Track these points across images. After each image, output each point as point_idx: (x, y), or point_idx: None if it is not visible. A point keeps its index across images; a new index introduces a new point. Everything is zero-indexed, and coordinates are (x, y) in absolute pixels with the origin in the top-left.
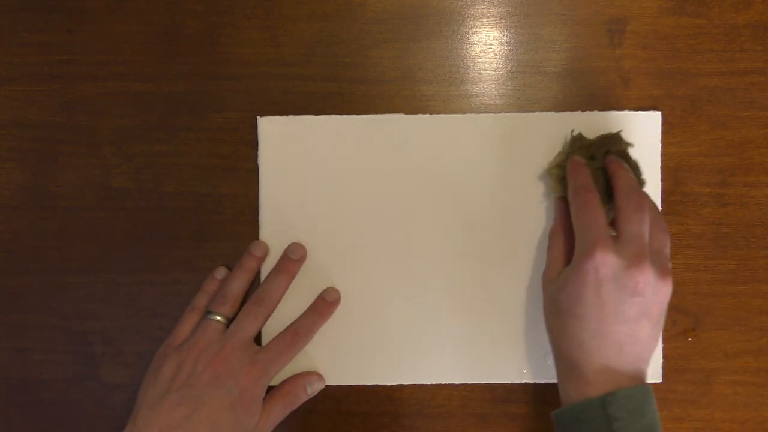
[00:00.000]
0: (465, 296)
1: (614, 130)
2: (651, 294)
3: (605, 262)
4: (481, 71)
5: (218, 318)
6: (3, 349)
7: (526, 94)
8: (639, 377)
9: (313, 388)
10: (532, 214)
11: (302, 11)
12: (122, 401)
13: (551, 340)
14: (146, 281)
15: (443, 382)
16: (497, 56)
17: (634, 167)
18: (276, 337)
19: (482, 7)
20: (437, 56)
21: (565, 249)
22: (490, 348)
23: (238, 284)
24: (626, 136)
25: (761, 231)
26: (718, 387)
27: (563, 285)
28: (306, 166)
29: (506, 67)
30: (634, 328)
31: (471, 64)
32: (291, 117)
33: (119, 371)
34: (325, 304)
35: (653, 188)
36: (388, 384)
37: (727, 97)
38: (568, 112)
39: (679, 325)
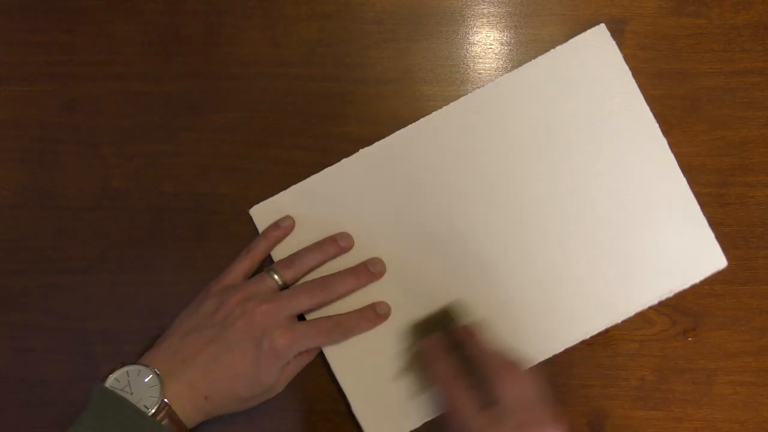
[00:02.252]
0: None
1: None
2: None
3: None
4: (481, 71)
5: (277, 278)
6: (3, 349)
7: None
8: None
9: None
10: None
11: (302, 11)
12: None
13: None
14: (146, 281)
15: None
16: (497, 56)
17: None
18: (320, 318)
19: (482, 7)
20: (437, 56)
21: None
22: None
23: (310, 258)
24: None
25: (761, 231)
26: (718, 387)
27: None
28: (312, 229)
29: (506, 67)
30: None
31: (471, 64)
32: (279, 195)
33: None
34: (373, 313)
35: (639, 112)
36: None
37: (727, 97)
38: (525, 65)
39: (679, 325)
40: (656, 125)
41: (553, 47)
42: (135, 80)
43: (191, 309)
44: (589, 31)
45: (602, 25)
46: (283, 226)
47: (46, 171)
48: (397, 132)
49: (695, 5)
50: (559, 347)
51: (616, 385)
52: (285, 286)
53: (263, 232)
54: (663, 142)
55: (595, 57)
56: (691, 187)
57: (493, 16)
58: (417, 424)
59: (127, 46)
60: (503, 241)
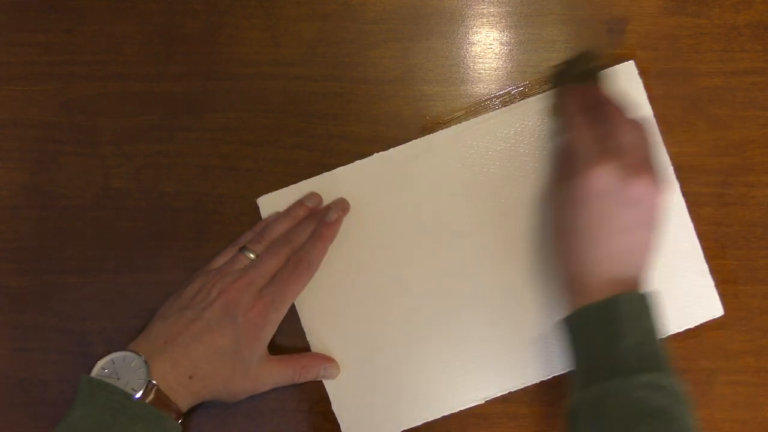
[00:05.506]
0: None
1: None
2: (647, 202)
3: (604, 174)
4: (481, 71)
5: (250, 255)
6: (3, 349)
7: (526, 94)
8: (639, 284)
9: (327, 373)
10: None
11: (302, 11)
12: None
13: (556, 258)
14: (146, 281)
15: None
16: (497, 56)
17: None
18: (281, 268)
19: (482, 7)
20: (437, 56)
21: (566, 166)
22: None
23: (279, 228)
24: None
25: (761, 231)
26: (718, 387)
27: (565, 200)
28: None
29: (506, 67)
30: (631, 236)
31: (471, 64)
32: (288, 188)
33: None
34: (324, 226)
35: (656, 152)
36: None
37: (727, 97)
38: (550, 91)
39: None
40: (671, 167)
41: (553, 47)
42: (135, 80)
43: (174, 296)
44: (617, 66)
45: (631, 62)
46: (269, 220)
47: (46, 171)
48: (415, 140)
49: (695, 5)
50: (550, 374)
51: None
52: None
53: (254, 227)
54: (676, 186)
55: (620, 92)
56: (692, 187)
57: (493, 16)
58: (397, 430)
59: (127, 46)
60: (501, 262)
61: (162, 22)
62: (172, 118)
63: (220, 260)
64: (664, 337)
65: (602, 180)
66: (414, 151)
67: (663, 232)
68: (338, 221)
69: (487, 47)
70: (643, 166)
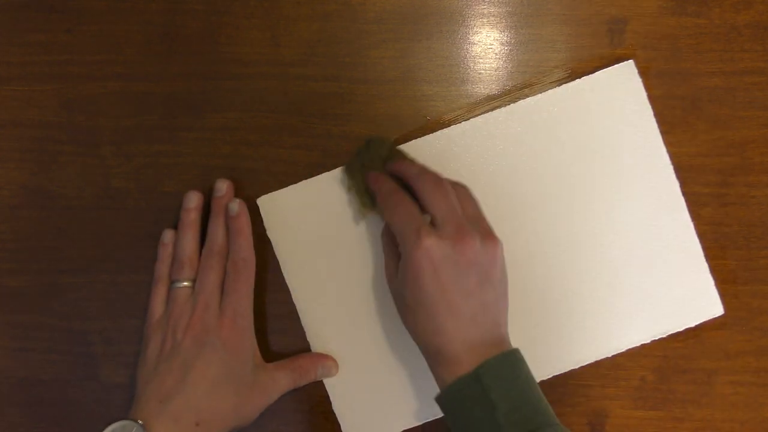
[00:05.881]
0: None
1: (375, 136)
2: (483, 260)
3: (432, 247)
4: (482, 71)
5: (184, 284)
6: (3, 349)
7: (526, 94)
8: (502, 343)
9: (325, 372)
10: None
11: (302, 11)
12: (122, 401)
13: (412, 336)
14: (146, 281)
15: None
16: (497, 56)
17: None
18: (224, 279)
19: (482, 7)
20: (437, 56)
21: (396, 247)
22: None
23: (187, 243)
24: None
25: (761, 231)
26: (718, 387)
27: (403, 281)
28: (317, 225)
29: (506, 67)
30: (479, 298)
31: (471, 64)
32: (288, 188)
33: (119, 371)
34: (233, 220)
35: (656, 152)
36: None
37: (727, 97)
38: (550, 90)
39: None
40: (671, 167)
41: (553, 47)
42: (135, 80)
43: (141, 359)
44: (617, 66)
45: (631, 62)
46: (165, 243)
47: (46, 171)
48: (415, 140)
49: (695, 5)
50: (546, 374)
51: (616, 385)
52: (194, 281)
53: (158, 256)
54: (676, 185)
55: (621, 92)
56: (692, 187)
57: (493, 16)
58: (398, 430)
59: (127, 46)
60: (507, 260)
61: (162, 22)
62: (172, 118)
63: (156, 303)
64: (537, 386)
65: (430, 254)
66: (414, 153)
67: (506, 283)
68: (243, 210)
69: (487, 47)
70: (464, 228)
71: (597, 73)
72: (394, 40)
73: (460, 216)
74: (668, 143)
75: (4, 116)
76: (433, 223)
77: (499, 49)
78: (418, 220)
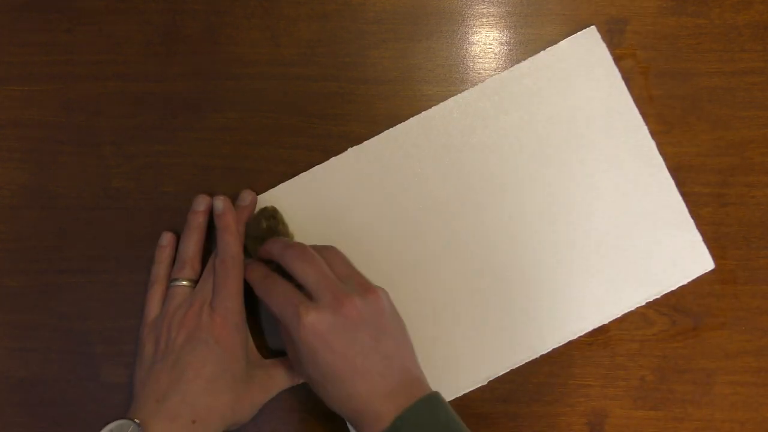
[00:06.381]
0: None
1: (264, 206)
2: (370, 314)
3: (315, 323)
4: (481, 71)
5: (183, 283)
6: (3, 349)
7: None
8: (417, 386)
9: None
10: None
11: (302, 11)
12: (122, 401)
13: (329, 406)
14: (146, 281)
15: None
16: (497, 56)
17: (284, 223)
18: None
19: (482, 7)
20: (437, 56)
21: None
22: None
23: (190, 245)
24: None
25: (761, 231)
26: (718, 387)
27: (301, 361)
28: (315, 219)
29: (506, 67)
30: (380, 351)
31: (471, 64)
32: (286, 183)
33: (119, 371)
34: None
35: (628, 114)
36: None
37: (727, 97)
38: (516, 66)
39: (679, 325)
40: (645, 128)
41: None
42: (135, 80)
43: (137, 360)
44: (580, 33)
45: (593, 27)
46: (163, 245)
47: (46, 171)
48: (394, 128)
49: (695, 5)
50: (546, 347)
51: (616, 385)
52: (195, 282)
53: (156, 258)
54: (652, 144)
55: (586, 59)
56: (692, 187)
57: (492, 16)
58: None
59: (127, 46)
60: (492, 239)
61: (162, 22)
62: (172, 118)
63: (152, 304)
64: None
65: (316, 329)
66: (393, 141)
67: (402, 325)
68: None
69: (486, 47)
70: (341, 291)
71: (560, 42)
72: (394, 40)
73: (334, 280)
74: (668, 143)
75: (4, 116)
76: (309, 296)
77: (498, 49)
78: (295, 298)
